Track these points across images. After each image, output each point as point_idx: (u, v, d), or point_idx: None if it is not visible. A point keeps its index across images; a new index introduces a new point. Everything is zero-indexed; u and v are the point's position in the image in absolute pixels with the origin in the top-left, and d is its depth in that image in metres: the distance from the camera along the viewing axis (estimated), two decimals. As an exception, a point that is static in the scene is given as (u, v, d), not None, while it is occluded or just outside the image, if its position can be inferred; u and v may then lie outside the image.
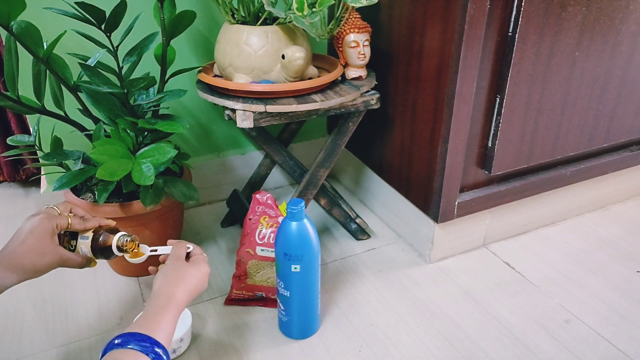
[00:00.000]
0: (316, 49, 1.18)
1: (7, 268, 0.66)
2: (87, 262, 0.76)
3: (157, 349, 0.59)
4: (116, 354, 0.57)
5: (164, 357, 0.60)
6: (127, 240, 0.75)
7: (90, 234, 0.75)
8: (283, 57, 0.86)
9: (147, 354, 0.58)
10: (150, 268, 0.76)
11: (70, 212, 0.76)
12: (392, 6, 0.99)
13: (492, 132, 0.95)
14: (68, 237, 0.75)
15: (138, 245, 0.77)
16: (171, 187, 0.91)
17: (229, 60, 0.91)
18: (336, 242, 1.14)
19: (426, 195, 1.01)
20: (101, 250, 0.75)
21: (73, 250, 0.75)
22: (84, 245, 0.75)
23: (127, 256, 0.76)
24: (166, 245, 0.77)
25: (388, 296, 0.98)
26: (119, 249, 0.75)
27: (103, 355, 0.58)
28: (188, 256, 0.76)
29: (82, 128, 0.93)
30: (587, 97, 1.01)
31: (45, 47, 0.80)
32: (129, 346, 0.57)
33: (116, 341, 0.58)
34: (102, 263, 1.04)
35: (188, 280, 0.70)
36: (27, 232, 0.69)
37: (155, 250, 0.77)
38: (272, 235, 0.92)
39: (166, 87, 0.93)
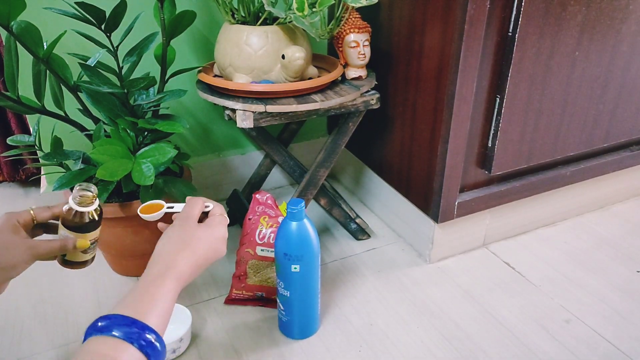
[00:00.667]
0: (316, 49, 1.18)
1: None
2: (69, 246, 0.65)
3: (147, 335, 0.49)
4: (93, 344, 0.48)
5: (156, 345, 0.50)
6: (80, 195, 0.65)
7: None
8: (283, 57, 0.86)
9: (132, 343, 0.48)
10: (160, 225, 0.67)
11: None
12: (392, 6, 0.99)
13: (492, 132, 0.95)
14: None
15: (96, 197, 0.67)
16: (171, 187, 0.91)
17: (229, 60, 0.91)
18: (336, 242, 1.14)
19: (426, 195, 1.01)
20: (77, 222, 0.66)
21: None
22: (60, 229, 0.67)
23: (140, 213, 0.67)
24: (186, 202, 0.68)
25: (388, 296, 0.98)
26: (81, 204, 0.65)
27: (85, 339, 0.50)
28: (207, 216, 0.66)
29: (82, 128, 0.93)
30: (587, 97, 1.01)
31: (45, 47, 0.80)
32: (112, 332, 0.48)
33: (99, 324, 0.50)
34: (101, 263, 1.04)
35: (195, 245, 0.59)
36: None
37: (172, 207, 0.69)
38: (272, 235, 0.92)
39: (166, 87, 0.93)
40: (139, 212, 0.69)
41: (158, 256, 0.58)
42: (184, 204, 0.67)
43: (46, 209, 0.68)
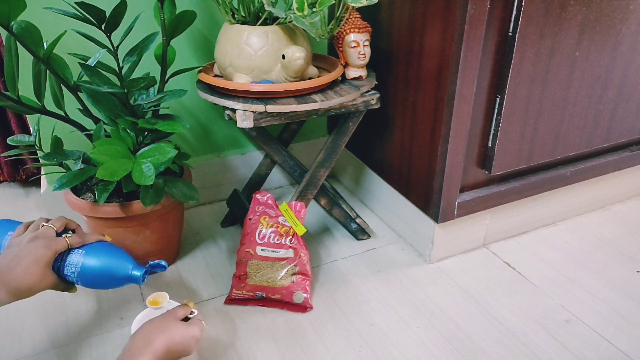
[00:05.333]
0: (316, 49, 1.18)
1: (8, 292, 0.68)
2: (73, 290, 0.79)
3: None
4: None
5: None
6: None
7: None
8: (283, 57, 0.86)
9: None
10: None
11: (66, 228, 0.78)
12: (392, 6, 0.99)
13: (492, 132, 0.95)
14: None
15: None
16: (171, 187, 0.91)
17: (229, 60, 0.91)
18: (336, 242, 1.14)
19: (426, 195, 1.01)
20: None
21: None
22: None
23: (148, 304, 0.79)
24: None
25: (388, 296, 0.98)
26: None
27: None
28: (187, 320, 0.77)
29: (82, 128, 0.93)
30: (587, 97, 1.01)
31: (45, 47, 0.80)
32: None
33: None
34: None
35: (171, 333, 0.70)
36: (32, 262, 0.70)
37: (170, 303, 0.81)
38: (273, 235, 0.92)
39: (166, 87, 0.93)
40: (148, 304, 0.78)
41: (139, 333, 0.69)
42: (179, 303, 0.79)
43: (79, 240, 0.77)
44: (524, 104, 0.93)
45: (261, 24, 0.92)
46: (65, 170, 0.94)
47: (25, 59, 0.84)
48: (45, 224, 0.76)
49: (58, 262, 0.75)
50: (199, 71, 0.98)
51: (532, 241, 1.15)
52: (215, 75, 0.99)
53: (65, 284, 0.76)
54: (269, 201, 0.97)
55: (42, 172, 1.20)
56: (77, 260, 0.75)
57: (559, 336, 0.88)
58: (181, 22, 0.88)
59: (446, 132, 0.91)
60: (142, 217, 0.93)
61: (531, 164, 1.02)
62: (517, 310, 0.94)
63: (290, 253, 0.92)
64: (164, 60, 0.90)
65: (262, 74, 0.90)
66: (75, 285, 0.78)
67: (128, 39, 0.87)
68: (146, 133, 0.91)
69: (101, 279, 0.77)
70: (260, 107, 0.87)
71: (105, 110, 0.89)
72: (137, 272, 0.77)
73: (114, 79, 0.88)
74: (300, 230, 0.92)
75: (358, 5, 0.88)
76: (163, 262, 0.80)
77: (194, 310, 0.77)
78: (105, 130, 0.91)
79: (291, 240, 0.92)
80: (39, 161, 1.09)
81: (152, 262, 0.80)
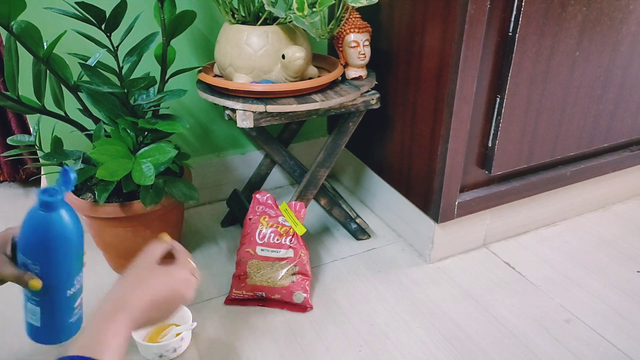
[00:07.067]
0: (316, 49, 1.18)
1: None
2: (23, 282, 0.63)
3: None
4: None
5: None
6: None
7: None
8: (283, 57, 0.86)
9: None
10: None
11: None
12: (392, 6, 0.99)
13: (492, 132, 0.95)
14: None
15: None
16: (171, 187, 0.91)
17: (229, 60, 0.91)
18: (336, 242, 1.14)
19: (426, 195, 1.01)
20: None
21: None
22: None
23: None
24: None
25: (388, 296, 0.98)
26: None
27: None
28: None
29: (82, 128, 0.93)
30: (587, 97, 1.01)
31: (45, 47, 0.80)
32: None
33: None
34: (102, 263, 1.04)
35: (150, 283, 0.57)
36: None
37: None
38: (273, 235, 0.92)
39: (166, 87, 0.93)
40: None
41: (111, 294, 0.57)
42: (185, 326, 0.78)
43: None
44: (524, 104, 0.93)
45: (261, 24, 0.92)
46: (65, 170, 0.94)
47: (25, 59, 0.84)
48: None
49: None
50: (199, 71, 0.98)
51: (532, 241, 1.15)
52: (215, 75, 0.99)
53: (20, 279, 0.63)
54: (269, 201, 0.97)
55: (42, 172, 1.20)
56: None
57: (559, 336, 0.88)
58: (181, 22, 0.88)
59: (446, 132, 0.91)
60: (142, 217, 0.93)
61: (531, 164, 1.02)
62: (517, 310, 0.94)
63: (290, 253, 0.92)
64: (164, 60, 0.90)
65: (262, 74, 0.90)
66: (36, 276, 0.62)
67: (128, 39, 0.87)
68: (146, 133, 0.91)
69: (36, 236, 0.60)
70: (260, 107, 0.87)
71: (105, 110, 0.89)
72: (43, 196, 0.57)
73: (114, 79, 0.88)
74: (300, 230, 0.92)
75: (358, 5, 0.88)
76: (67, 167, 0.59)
77: (174, 245, 0.65)
78: (105, 130, 0.91)
79: (291, 240, 0.92)
80: (39, 161, 1.09)
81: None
